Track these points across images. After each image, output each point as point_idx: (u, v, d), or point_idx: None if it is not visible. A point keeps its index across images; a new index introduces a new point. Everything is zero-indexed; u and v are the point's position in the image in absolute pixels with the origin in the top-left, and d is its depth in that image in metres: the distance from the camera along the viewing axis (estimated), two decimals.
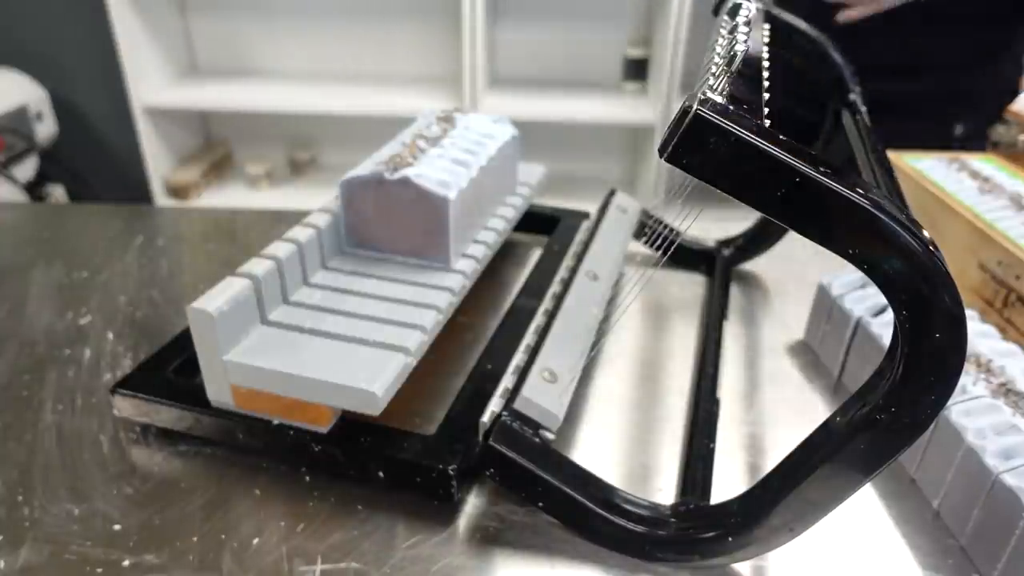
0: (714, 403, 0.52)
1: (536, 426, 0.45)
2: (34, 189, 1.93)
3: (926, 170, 0.71)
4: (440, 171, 0.56)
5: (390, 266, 0.57)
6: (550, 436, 0.45)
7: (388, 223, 0.56)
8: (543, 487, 0.42)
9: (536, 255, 0.72)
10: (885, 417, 0.32)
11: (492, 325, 0.63)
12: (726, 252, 0.72)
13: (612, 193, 0.73)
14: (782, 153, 0.29)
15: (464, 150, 0.60)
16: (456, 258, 0.57)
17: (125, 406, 0.50)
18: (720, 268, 0.70)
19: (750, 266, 0.73)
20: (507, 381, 0.48)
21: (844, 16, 0.80)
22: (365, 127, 1.81)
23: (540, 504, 0.43)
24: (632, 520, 0.42)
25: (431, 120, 0.66)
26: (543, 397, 0.45)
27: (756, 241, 0.72)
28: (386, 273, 0.56)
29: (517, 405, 0.45)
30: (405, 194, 0.54)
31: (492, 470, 0.43)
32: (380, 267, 0.56)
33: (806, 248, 0.73)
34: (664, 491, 0.47)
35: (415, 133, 0.63)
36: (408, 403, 0.50)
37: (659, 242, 0.70)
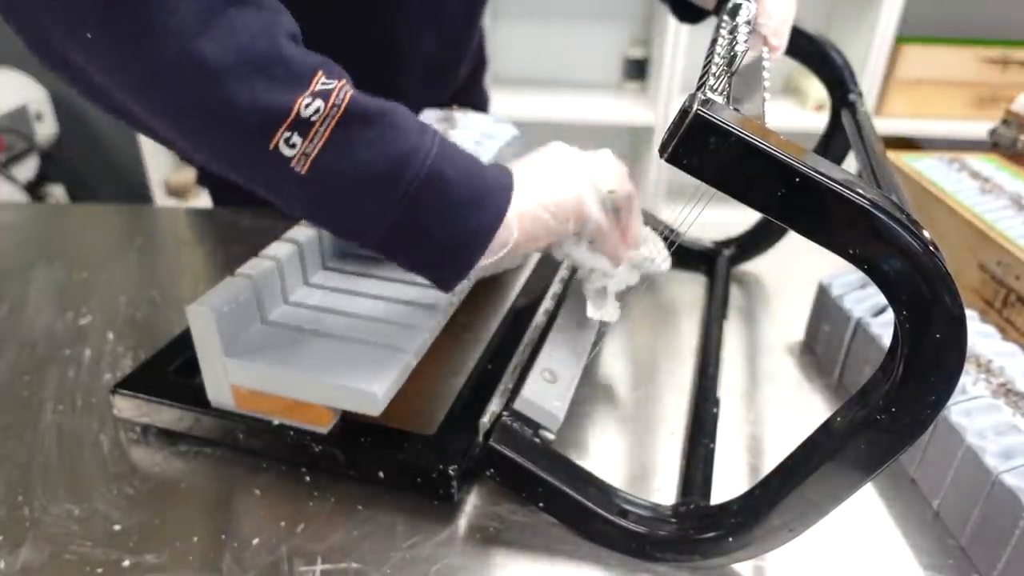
0: (714, 403, 0.52)
1: (536, 426, 0.45)
2: (34, 189, 1.93)
3: (926, 170, 0.71)
4: None
5: (390, 266, 0.57)
6: (550, 436, 0.45)
7: None
8: (543, 487, 0.42)
9: (536, 255, 0.72)
10: (885, 417, 0.32)
11: (492, 325, 0.63)
12: (726, 252, 0.72)
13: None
14: (782, 153, 0.29)
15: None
16: None
17: (125, 406, 0.50)
18: (720, 268, 0.70)
19: (750, 266, 0.73)
20: (507, 381, 0.48)
21: None
22: None
23: (540, 504, 0.43)
24: (632, 520, 0.42)
25: (431, 120, 0.66)
26: (543, 397, 0.45)
27: (756, 241, 0.72)
28: (386, 273, 0.56)
29: (517, 405, 0.45)
30: None
31: (492, 470, 0.43)
32: (380, 267, 0.56)
33: (806, 248, 0.73)
34: (663, 491, 0.47)
35: None
36: (408, 403, 0.49)
37: None
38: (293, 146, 0.37)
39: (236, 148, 0.38)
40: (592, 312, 0.50)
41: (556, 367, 0.48)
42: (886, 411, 0.32)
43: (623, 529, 0.41)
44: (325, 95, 0.37)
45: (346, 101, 0.37)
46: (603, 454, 0.50)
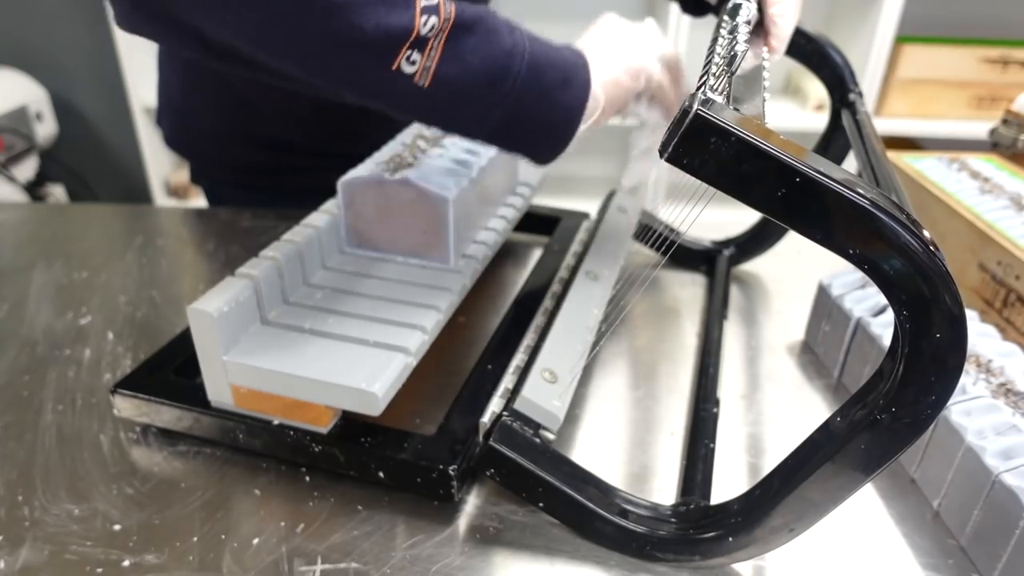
0: (714, 403, 0.52)
1: (536, 426, 0.45)
2: (34, 189, 1.93)
3: (926, 170, 0.71)
4: (440, 171, 0.56)
5: (390, 266, 0.57)
6: (550, 436, 0.45)
7: (388, 223, 0.56)
8: (543, 487, 0.42)
9: (536, 255, 0.72)
10: (885, 417, 0.32)
11: (492, 325, 0.63)
12: (726, 252, 0.72)
13: (612, 193, 0.73)
14: (783, 153, 0.29)
15: (465, 150, 0.60)
16: (456, 258, 0.57)
17: (125, 406, 0.50)
18: (720, 268, 0.70)
19: (750, 266, 0.73)
20: (507, 381, 0.48)
21: None
22: None
23: (540, 504, 0.43)
24: (632, 520, 0.42)
25: None
26: (543, 397, 0.45)
27: (756, 241, 0.72)
28: (386, 273, 0.56)
29: (517, 405, 0.45)
30: (405, 194, 0.54)
31: (492, 470, 0.43)
32: (380, 267, 0.56)
33: (806, 248, 0.73)
34: (663, 491, 0.47)
35: (416, 133, 0.63)
36: (408, 403, 0.50)
37: (659, 243, 0.70)
38: (413, 63, 0.40)
39: (361, 73, 0.40)
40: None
41: (556, 367, 0.48)
42: (886, 411, 0.32)
43: (623, 529, 0.41)
44: (435, 10, 0.39)
45: (453, 12, 0.40)
46: (603, 454, 0.50)
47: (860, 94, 0.59)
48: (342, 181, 0.55)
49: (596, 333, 0.54)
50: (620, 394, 0.56)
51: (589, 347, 0.52)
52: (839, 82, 0.60)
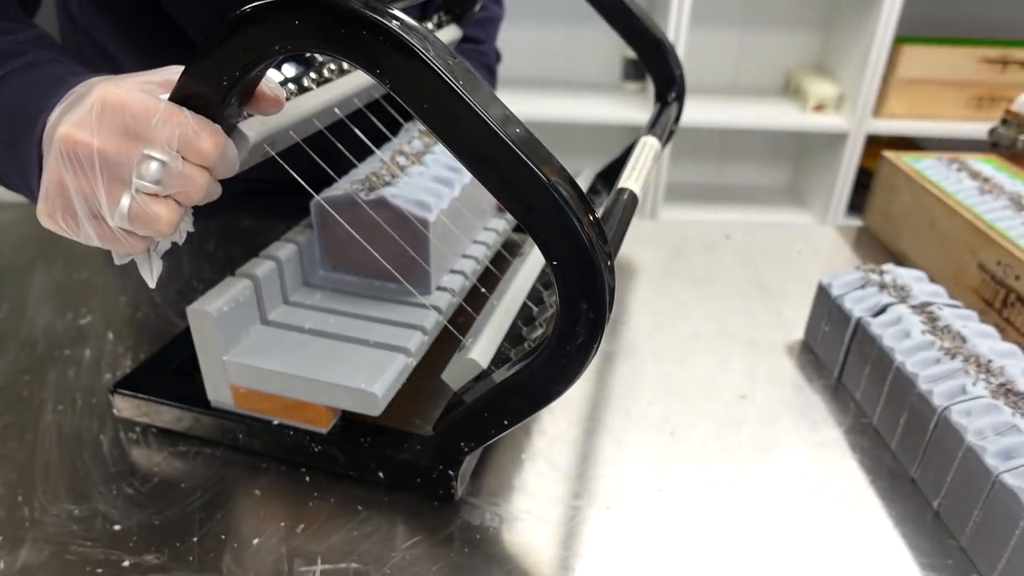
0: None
1: (465, 390, 0.45)
2: None
3: (926, 170, 0.71)
4: (420, 190, 0.52)
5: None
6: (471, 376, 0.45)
7: (365, 247, 0.52)
8: (487, 411, 0.41)
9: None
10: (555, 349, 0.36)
11: None
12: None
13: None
14: None
15: (447, 167, 0.57)
16: (436, 283, 0.54)
17: (125, 406, 0.50)
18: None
19: (750, 265, 0.73)
20: None
21: None
22: None
23: (505, 422, 0.41)
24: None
25: (414, 134, 0.62)
26: (461, 366, 0.45)
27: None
28: None
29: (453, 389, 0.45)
30: (382, 216, 0.50)
31: (463, 446, 0.43)
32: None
33: (806, 248, 0.73)
34: (664, 491, 0.47)
35: (396, 149, 0.59)
36: (408, 403, 0.50)
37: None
38: None
39: None
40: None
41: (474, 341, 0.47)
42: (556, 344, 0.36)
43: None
44: None
45: None
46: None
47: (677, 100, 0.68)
48: (314, 202, 0.52)
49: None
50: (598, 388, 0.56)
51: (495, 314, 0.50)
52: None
